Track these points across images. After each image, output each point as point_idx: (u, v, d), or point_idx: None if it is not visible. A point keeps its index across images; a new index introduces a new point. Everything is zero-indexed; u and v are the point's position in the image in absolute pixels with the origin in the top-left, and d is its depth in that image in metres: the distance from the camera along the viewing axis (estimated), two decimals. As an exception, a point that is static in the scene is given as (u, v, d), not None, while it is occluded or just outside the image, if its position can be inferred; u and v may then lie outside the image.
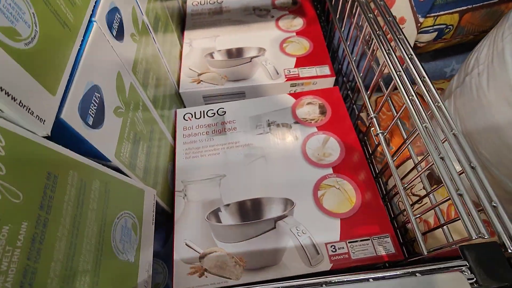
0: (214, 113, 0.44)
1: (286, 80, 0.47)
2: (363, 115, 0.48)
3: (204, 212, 0.36)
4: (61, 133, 0.19)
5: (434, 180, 0.36)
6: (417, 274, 0.20)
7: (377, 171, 0.43)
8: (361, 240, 0.33)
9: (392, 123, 0.34)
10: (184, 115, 0.44)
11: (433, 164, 0.26)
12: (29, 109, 0.16)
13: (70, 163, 0.19)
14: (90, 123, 0.21)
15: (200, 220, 0.35)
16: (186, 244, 0.34)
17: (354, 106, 0.52)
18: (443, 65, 0.50)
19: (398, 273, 0.20)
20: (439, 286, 0.19)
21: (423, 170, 0.29)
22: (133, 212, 0.26)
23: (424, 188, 0.35)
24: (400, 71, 0.31)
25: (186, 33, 0.54)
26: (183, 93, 0.47)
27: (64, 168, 0.18)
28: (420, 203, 0.35)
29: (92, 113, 0.22)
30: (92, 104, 0.22)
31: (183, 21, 0.57)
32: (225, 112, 0.44)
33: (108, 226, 0.22)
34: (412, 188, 0.37)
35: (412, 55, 0.31)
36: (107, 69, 0.25)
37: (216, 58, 0.50)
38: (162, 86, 0.39)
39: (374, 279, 0.20)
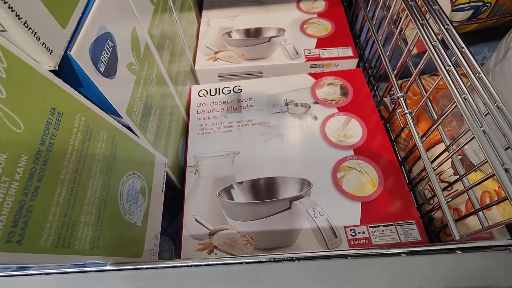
0: (230, 91, 0.42)
1: (306, 61, 0.45)
2: (386, 100, 0.45)
3: (215, 189, 0.34)
4: (69, 74, 0.18)
5: (466, 166, 0.33)
6: (457, 251, 0.18)
7: (400, 159, 0.41)
8: (383, 226, 0.30)
9: (422, 102, 0.32)
10: (199, 92, 0.43)
11: (472, 138, 0.23)
12: (35, 33, 0.14)
13: (77, 106, 0.18)
14: (102, 70, 0.20)
15: (211, 197, 0.33)
16: (195, 220, 0.32)
17: (376, 92, 0.49)
18: (474, 52, 0.47)
19: (435, 248, 0.18)
20: (484, 266, 0.17)
21: (456, 150, 0.27)
22: (143, 175, 0.24)
23: (455, 174, 0.33)
24: (436, 42, 0.28)
25: (204, 12, 0.53)
26: (198, 70, 0.45)
27: (70, 108, 0.17)
28: (450, 189, 0.32)
29: (104, 60, 0.20)
30: (104, 51, 0.20)
31: (201, 0, 0.55)
32: (241, 90, 0.42)
33: (115, 182, 0.20)
34: (440, 175, 0.34)
35: (449, 25, 0.29)
36: (122, 20, 0.23)
37: (234, 38, 0.49)
38: (177, 59, 0.38)
39: (407, 253, 0.18)
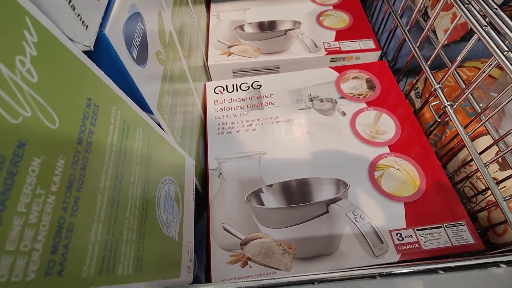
0: (249, 87, 0.39)
1: (327, 54, 0.42)
2: (412, 94, 0.43)
3: (243, 193, 0.31)
4: (102, 57, 0.14)
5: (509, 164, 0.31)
6: (501, 265, 0.15)
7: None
8: (431, 228, 0.28)
9: (466, 94, 0.29)
10: (215, 88, 0.40)
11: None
12: (70, 0, 0.11)
13: (113, 97, 0.14)
14: (135, 56, 0.17)
15: (239, 202, 0.30)
16: (224, 229, 0.29)
17: (409, 90, 0.47)
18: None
19: (475, 262, 0.15)
20: None
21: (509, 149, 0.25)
22: (176, 180, 0.21)
23: (501, 169, 0.31)
24: (487, 26, 0.26)
25: (212, 5, 0.50)
26: (212, 65, 0.42)
27: (106, 100, 0.14)
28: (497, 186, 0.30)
29: (137, 45, 0.17)
30: (136, 34, 0.17)
31: (209, -7, 0.52)
32: (260, 85, 0.39)
33: (152, 189, 0.17)
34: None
35: (497, 8, 0.27)
36: (150, 1, 0.20)
37: (247, 31, 0.46)
38: (194, 54, 0.35)
39: (445, 269, 0.15)
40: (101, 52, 0.14)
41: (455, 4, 0.29)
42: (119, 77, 0.16)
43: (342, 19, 0.47)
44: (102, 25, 0.14)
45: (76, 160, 0.11)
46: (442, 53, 0.35)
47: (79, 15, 0.12)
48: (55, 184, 0.10)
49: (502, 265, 0.15)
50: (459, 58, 0.30)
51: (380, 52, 0.43)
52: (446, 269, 0.15)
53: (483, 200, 0.31)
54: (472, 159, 0.28)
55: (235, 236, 0.28)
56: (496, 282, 0.14)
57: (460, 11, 0.28)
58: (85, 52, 0.13)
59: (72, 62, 0.12)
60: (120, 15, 0.15)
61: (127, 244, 0.14)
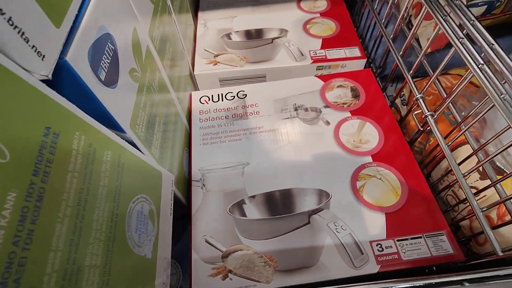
0: (234, 96, 0.39)
1: (312, 62, 0.42)
2: (396, 101, 0.43)
3: (225, 204, 0.31)
4: (65, 84, 0.14)
5: (495, 171, 0.32)
6: (465, 283, 0.15)
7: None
8: (411, 238, 0.28)
9: (447, 103, 0.30)
10: (200, 98, 0.40)
11: (508, 146, 0.21)
12: (23, 33, 0.11)
13: (76, 123, 0.14)
14: (103, 78, 0.17)
15: (222, 213, 0.30)
16: (206, 241, 0.29)
17: (384, 94, 0.47)
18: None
19: (439, 281, 0.15)
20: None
21: (493, 155, 0.25)
22: (150, 197, 0.21)
23: (482, 178, 0.31)
24: (463, 38, 0.26)
25: (200, 13, 0.50)
26: (198, 74, 0.42)
27: (68, 126, 0.14)
28: (477, 195, 0.30)
29: (105, 66, 0.17)
30: (105, 56, 0.17)
31: (197, 1, 0.52)
32: (246, 95, 0.40)
33: (122, 211, 0.17)
34: (465, 180, 0.32)
35: (474, 20, 0.27)
36: (122, 20, 0.20)
37: (234, 39, 0.46)
38: (178, 64, 0.35)
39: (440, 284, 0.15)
40: (64, 78, 0.14)
41: (433, 15, 0.29)
42: (85, 101, 0.16)
43: (329, 27, 0.47)
44: (64, 52, 0.14)
45: (30, 192, 0.11)
46: (425, 61, 0.35)
47: (33, 46, 0.12)
48: (5, 218, 0.10)
49: (465, 283, 0.15)
50: (439, 68, 0.30)
51: (365, 60, 0.43)
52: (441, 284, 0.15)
53: (464, 209, 0.32)
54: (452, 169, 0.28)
55: (217, 248, 0.29)
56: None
57: (438, 22, 0.28)
58: (45, 81, 0.13)
59: (28, 92, 0.12)
60: (85, 39, 0.15)
61: (91, 270, 0.14)
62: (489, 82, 0.23)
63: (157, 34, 0.28)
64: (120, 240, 0.16)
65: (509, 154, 0.30)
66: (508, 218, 0.28)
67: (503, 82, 0.23)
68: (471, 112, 0.28)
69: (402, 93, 0.44)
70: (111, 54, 0.18)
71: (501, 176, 0.25)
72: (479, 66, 0.24)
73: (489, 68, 0.24)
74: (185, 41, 0.40)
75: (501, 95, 0.23)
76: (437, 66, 0.30)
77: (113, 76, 0.18)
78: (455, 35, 0.27)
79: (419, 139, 0.39)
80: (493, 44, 0.25)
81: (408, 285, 0.15)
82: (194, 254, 0.28)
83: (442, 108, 0.30)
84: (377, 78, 0.48)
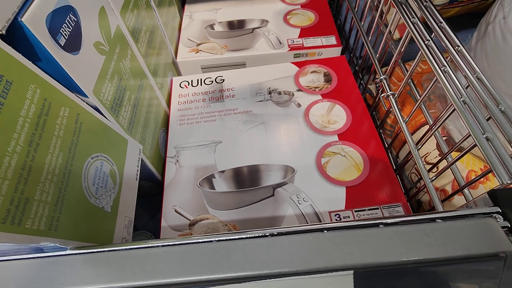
0: (212, 81, 0.41)
1: (289, 50, 0.44)
2: (371, 87, 0.44)
3: (196, 179, 0.33)
4: (24, 43, 0.17)
5: (452, 147, 0.33)
6: (437, 220, 0.17)
7: (387, 145, 0.40)
8: (369, 209, 0.30)
9: (403, 83, 0.31)
10: (181, 83, 0.42)
11: (453, 110, 0.23)
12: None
13: (31, 77, 0.16)
14: (62, 43, 0.19)
15: (192, 187, 0.32)
16: (175, 211, 0.31)
17: (362, 82, 0.49)
18: (460, 38, 0.47)
19: (414, 218, 0.17)
20: (465, 234, 0.16)
21: (438, 126, 0.26)
22: (112, 159, 0.23)
23: (440, 155, 0.32)
24: (414, 18, 0.28)
25: (186, 6, 0.52)
26: (180, 62, 0.45)
27: (22, 78, 0.16)
28: (436, 171, 0.31)
29: (65, 34, 0.19)
30: (65, 25, 0.19)
31: (184, -5, 0.55)
32: (223, 80, 0.41)
33: (78, 162, 0.19)
34: (426, 157, 0.33)
35: (427, 2, 0.28)
36: (87, -3, 0.22)
37: (216, 30, 0.48)
38: (157, 52, 0.37)
39: (386, 224, 0.17)
40: (22, 38, 0.16)
41: (393, 2, 0.30)
42: (45, 62, 0.18)
43: (308, 18, 0.48)
44: (20, 13, 0.16)
45: (-21, 124, 0.13)
46: (392, 46, 0.37)
47: (-14, 3, 0.14)
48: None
49: (438, 220, 0.16)
50: (397, 51, 0.31)
51: (341, 47, 0.44)
52: (387, 224, 0.17)
53: (425, 186, 0.33)
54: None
55: (185, 217, 0.30)
56: (434, 234, 0.16)
57: (395, 6, 0.30)
58: (1, 34, 0.15)
59: (-18, 43, 0.14)
60: (44, 7, 0.17)
61: (40, 204, 0.16)
62: (433, 57, 0.25)
63: (131, 17, 0.30)
64: (74, 186, 0.18)
65: (465, 130, 0.31)
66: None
67: (448, 58, 0.25)
68: (428, 88, 0.29)
69: (377, 78, 0.45)
70: (73, 24, 0.20)
71: (451, 148, 0.26)
72: (426, 42, 0.26)
73: (435, 44, 0.26)
74: (168, 31, 0.42)
75: (442, 67, 0.24)
76: (414, 52, 0.31)
77: (75, 44, 0.20)
78: (408, 17, 0.28)
79: (390, 122, 0.40)
80: (441, 23, 0.27)
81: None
82: (163, 222, 0.30)
83: (401, 87, 0.31)
84: (356, 68, 0.49)
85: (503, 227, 0.16)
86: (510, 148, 0.20)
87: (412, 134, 0.36)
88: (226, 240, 0.17)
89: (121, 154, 0.24)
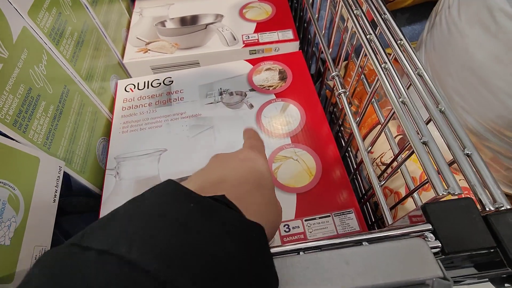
0: (160, 83, 0.39)
1: (244, 46, 0.41)
2: (330, 83, 0.42)
3: (136, 192, 0.30)
4: None
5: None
6: (364, 243, 0.15)
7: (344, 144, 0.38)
8: (320, 217, 0.28)
9: (352, 79, 0.29)
10: (126, 86, 0.39)
11: (392, 112, 0.21)
12: None
13: None
14: None
15: (132, 201, 0.30)
16: (112, 229, 0.28)
17: (321, 78, 0.47)
18: (417, 30, 0.45)
19: (338, 242, 0.15)
20: (390, 259, 0.14)
21: (384, 124, 0.24)
22: (13, 182, 0.20)
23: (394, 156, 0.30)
24: (358, 9, 0.25)
25: (137, 2, 0.49)
26: (127, 63, 0.41)
27: None
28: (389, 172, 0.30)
29: None
30: None
31: (134, -10, 0.51)
32: (172, 81, 0.39)
33: (-48, 194, 0.16)
34: (381, 157, 0.32)
35: (386, 14, 0.26)
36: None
37: (168, 27, 0.45)
38: (94, 53, 0.34)
39: (306, 250, 0.15)
40: None
41: (346, 10, 0.27)
42: None
43: (265, 11, 0.46)
44: None
45: None
46: (346, 40, 0.35)
47: None
48: None
49: (364, 243, 0.14)
50: (346, 44, 0.29)
51: (298, 42, 0.42)
52: (306, 250, 0.15)
53: (381, 186, 0.31)
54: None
55: (122, 236, 0.28)
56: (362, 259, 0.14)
57: (350, 18, 0.27)
58: None
59: None
60: None
61: None
62: (374, 52, 0.23)
63: (49, 20, 0.26)
64: None
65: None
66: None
67: (407, 84, 0.22)
68: (372, 90, 0.27)
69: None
70: None
71: (401, 149, 0.24)
72: (367, 36, 0.24)
73: (378, 39, 0.24)
74: (110, 30, 0.39)
75: (383, 64, 0.22)
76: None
77: None
78: (351, 8, 0.26)
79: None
80: (385, 14, 0.24)
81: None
82: (98, 243, 0.28)
83: (350, 84, 0.29)
84: (318, 64, 0.47)
85: (433, 247, 0.14)
86: (450, 154, 0.18)
87: (368, 133, 0.34)
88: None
89: (29, 175, 0.22)
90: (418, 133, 0.18)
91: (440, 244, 0.14)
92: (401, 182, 0.29)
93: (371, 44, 0.23)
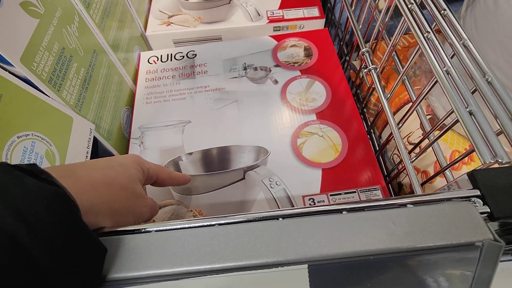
0: (183, 56, 0.38)
1: (268, 22, 0.41)
2: (355, 63, 0.42)
3: (161, 162, 0.30)
4: None
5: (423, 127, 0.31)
6: (408, 205, 0.15)
7: (370, 124, 0.38)
8: (345, 193, 0.27)
9: (385, 55, 0.28)
10: (149, 58, 0.38)
11: (435, 81, 0.20)
12: None
13: None
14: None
15: (157, 170, 0.30)
16: (137, 196, 0.28)
17: (347, 58, 0.46)
18: (455, 9, 0.43)
19: (382, 203, 0.15)
20: (437, 221, 0.14)
21: (420, 100, 0.24)
22: (49, 138, 0.20)
23: (424, 134, 0.30)
24: (412, 3, 0.24)
25: (159, -25, 0.48)
26: (150, 35, 0.41)
27: None
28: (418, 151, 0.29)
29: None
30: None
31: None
32: (195, 54, 0.38)
33: (-4, 141, 0.16)
34: (408, 137, 0.31)
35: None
36: None
37: (191, 0, 0.44)
38: (120, 25, 0.34)
39: (349, 210, 0.15)
40: None
41: None
42: None
43: (290, -13, 0.45)
44: None
45: None
46: (376, 17, 0.34)
47: None
48: None
49: (409, 205, 0.14)
50: (379, 19, 0.28)
51: (324, 19, 0.41)
52: (351, 210, 0.15)
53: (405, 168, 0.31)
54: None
55: (147, 203, 0.28)
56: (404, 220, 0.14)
57: None
58: None
59: None
60: None
61: None
62: (416, 22, 0.22)
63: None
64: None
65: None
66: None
67: (451, 54, 0.21)
68: (408, 64, 0.26)
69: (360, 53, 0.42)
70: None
71: (433, 127, 0.24)
72: (409, 6, 0.23)
73: (420, 9, 0.23)
74: (134, 1, 0.39)
75: (425, 33, 0.21)
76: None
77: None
78: (404, 1, 0.25)
79: (374, 101, 0.37)
80: (445, 10, 0.23)
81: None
82: (124, 209, 0.28)
83: (383, 60, 0.29)
84: (341, 43, 0.46)
85: (481, 213, 0.14)
86: (497, 125, 0.17)
87: (395, 113, 0.34)
88: (164, 230, 0.14)
89: (64, 134, 0.22)
90: (463, 102, 0.18)
91: (488, 209, 0.14)
92: (429, 161, 0.28)
93: (413, 14, 0.22)
